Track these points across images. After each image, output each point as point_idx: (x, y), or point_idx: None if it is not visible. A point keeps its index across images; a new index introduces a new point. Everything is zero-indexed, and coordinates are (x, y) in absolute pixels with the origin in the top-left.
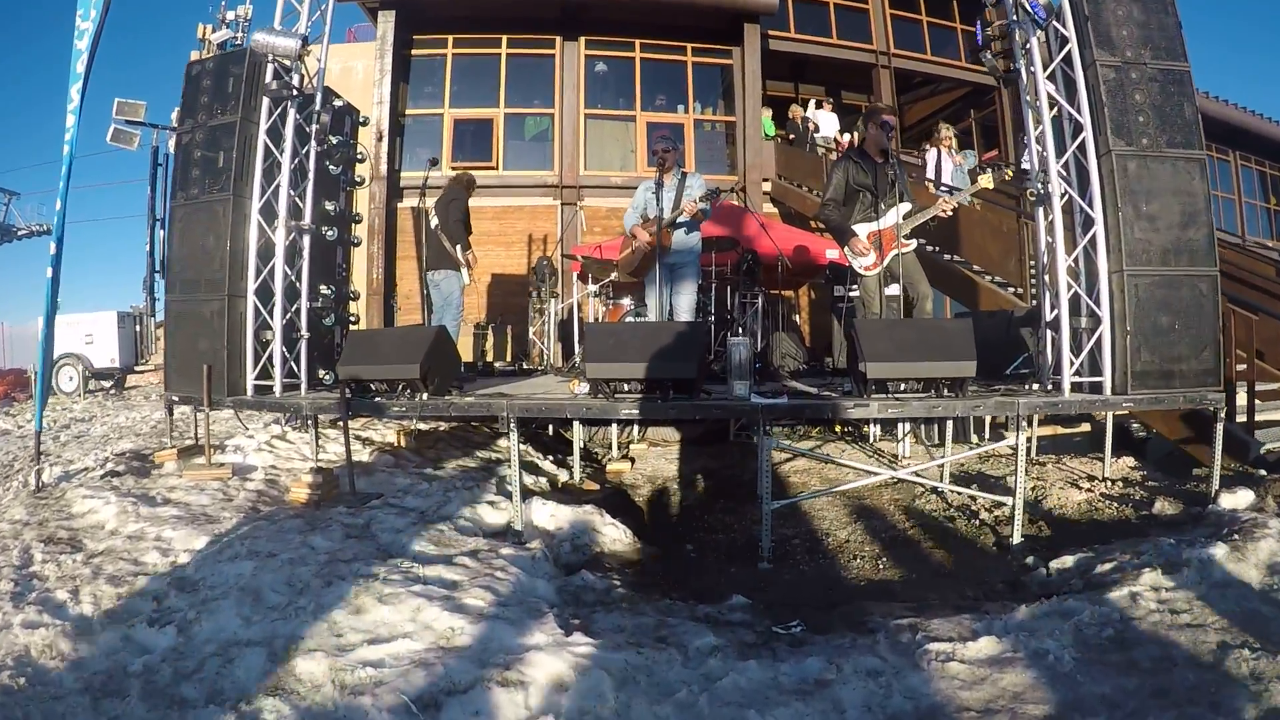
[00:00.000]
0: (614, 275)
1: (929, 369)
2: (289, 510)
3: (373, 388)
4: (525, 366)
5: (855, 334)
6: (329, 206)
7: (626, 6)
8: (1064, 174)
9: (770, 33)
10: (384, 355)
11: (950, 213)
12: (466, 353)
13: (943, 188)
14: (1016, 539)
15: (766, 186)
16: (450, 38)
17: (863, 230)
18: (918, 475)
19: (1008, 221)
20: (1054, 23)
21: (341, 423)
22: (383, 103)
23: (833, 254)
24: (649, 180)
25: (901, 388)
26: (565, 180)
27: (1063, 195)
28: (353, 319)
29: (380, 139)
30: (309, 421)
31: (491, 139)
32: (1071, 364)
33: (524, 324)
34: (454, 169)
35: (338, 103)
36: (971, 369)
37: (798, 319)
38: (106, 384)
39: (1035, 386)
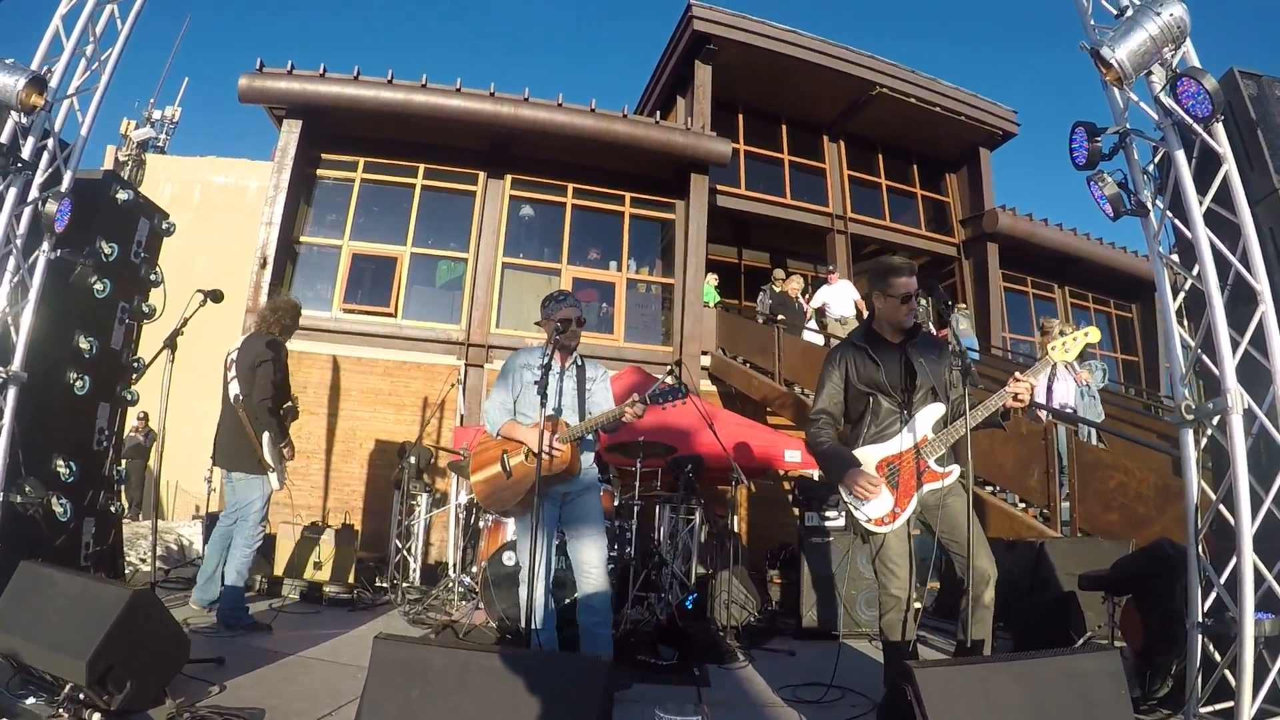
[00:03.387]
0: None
1: None
2: None
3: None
4: (379, 584)
5: (915, 693)
6: (84, 344)
7: (563, 145)
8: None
9: (719, 187)
10: (49, 625)
11: (1026, 399)
12: (297, 564)
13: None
14: None
15: (705, 360)
16: (361, 160)
17: (871, 456)
18: None
19: (1026, 422)
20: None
21: None
22: (272, 224)
23: (794, 455)
24: (526, 353)
25: None
26: (473, 337)
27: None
28: (116, 509)
29: (264, 266)
30: None
31: (393, 281)
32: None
33: (388, 525)
34: (346, 310)
35: (122, 195)
36: None
37: (736, 520)
38: None
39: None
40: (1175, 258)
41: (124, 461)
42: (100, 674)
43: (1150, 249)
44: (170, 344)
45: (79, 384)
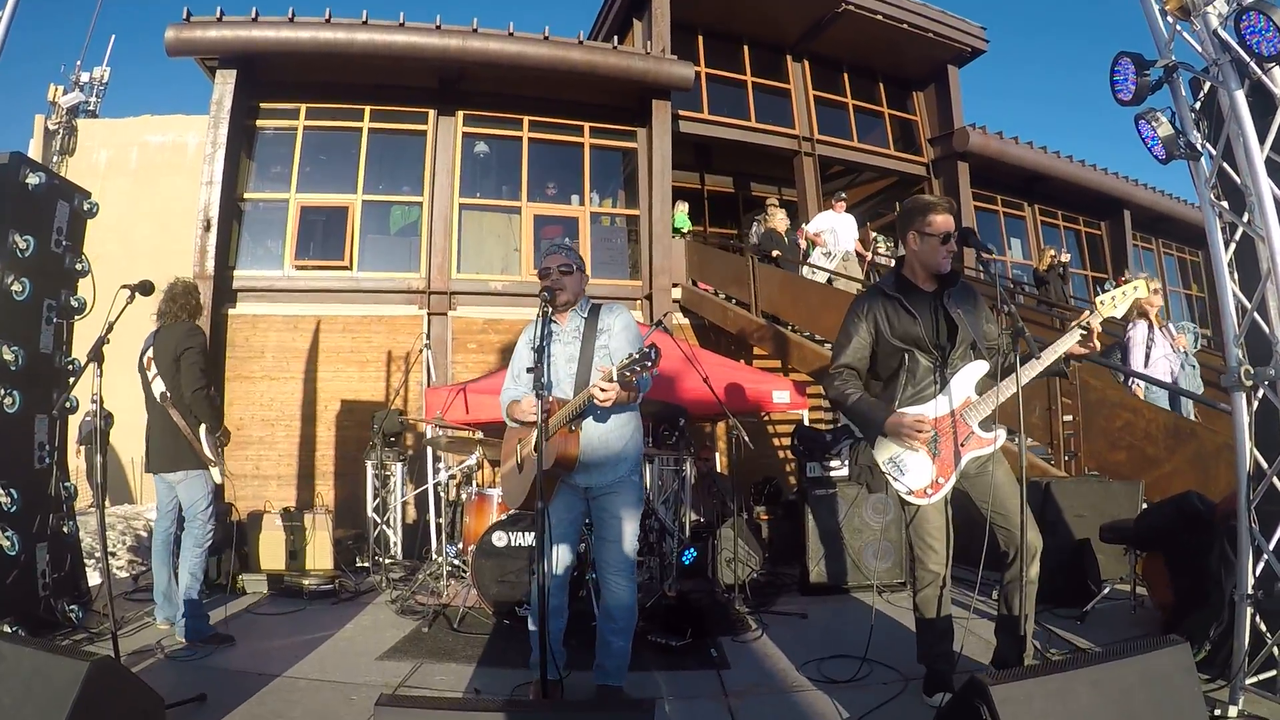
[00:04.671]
0: (475, 456)
1: None
2: None
3: None
4: (360, 564)
5: (990, 712)
6: (8, 354)
7: (514, 77)
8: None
9: (681, 113)
10: (1, 707)
11: (1096, 345)
12: (272, 557)
13: (1142, 386)
14: None
15: (677, 293)
16: (303, 107)
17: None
18: None
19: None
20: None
21: None
22: (213, 183)
23: (783, 396)
24: (530, 328)
25: None
26: (434, 285)
27: None
28: (69, 529)
29: (208, 228)
30: None
31: (346, 232)
32: None
33: (363, 490)
34: (298, 266)
35: (33, 179)
36: None
37: (718, 456)
38: None
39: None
40: (1225, 204)
41: (80, 449)
42: None
43: (1201, 195)
44: (96, 355)
45: (8, 401)
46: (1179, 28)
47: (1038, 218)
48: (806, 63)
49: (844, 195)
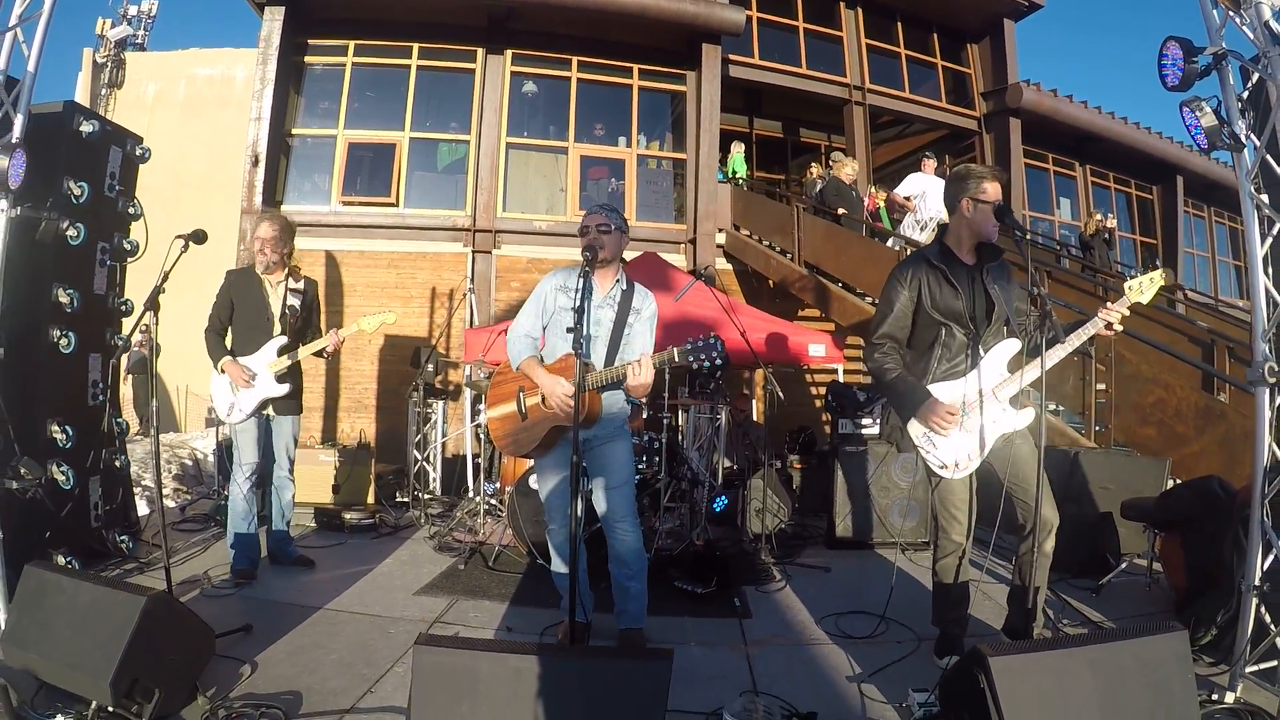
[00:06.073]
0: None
1: None
2: None
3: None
4: (400, 499)
5: (989, 685)
6: (63, 297)
7: (564, 17)
8: None
9: (731, 57)
10: (63, 639)
11: (1119, 329)
12: (317, 490)
13: None
14: None
15: (720, 238)
16: (351, 43)
17: (945, 394)
18: None
19: None
20: None
21: None
22: (261, 119)
23: (819, 349)
24: (563, 273)
25: None
26: (479, 223)
27: None
28: (121, 463)
29: (256, 163)
30: None
31: (392, 169)
32: None
33: (404, 425)
34: (345, 203)
35: (87, 127)
36: None
37: (754, 402)
38: None
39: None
40: (1265, 198)
41: (128, 378)
42: (125, 690)
43: (1242, 187)
44: (152, 305)
45: (64, 342)
46: (1231, 14)
47: (1088, 179)
48: (859, 9)
49: (929, 154)
